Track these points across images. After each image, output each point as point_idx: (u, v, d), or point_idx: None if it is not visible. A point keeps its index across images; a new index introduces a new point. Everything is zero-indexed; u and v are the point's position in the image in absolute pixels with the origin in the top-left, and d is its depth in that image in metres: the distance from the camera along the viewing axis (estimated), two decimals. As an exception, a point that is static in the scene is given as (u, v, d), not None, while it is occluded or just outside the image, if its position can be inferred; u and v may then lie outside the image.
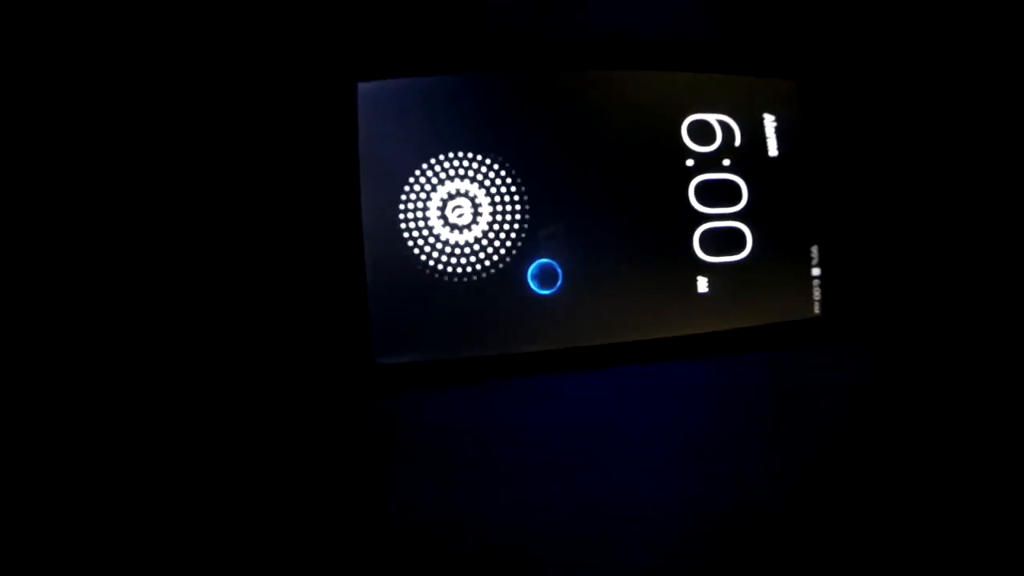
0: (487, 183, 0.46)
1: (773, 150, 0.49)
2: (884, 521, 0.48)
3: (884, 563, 0.46)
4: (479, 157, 0.45)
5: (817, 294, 0.50)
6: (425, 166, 0.45)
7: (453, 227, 0.45)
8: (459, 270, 0.45)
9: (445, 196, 0.45)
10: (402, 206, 0.45)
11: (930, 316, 0.51)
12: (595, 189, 0.46)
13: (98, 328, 0.41)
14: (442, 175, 0.45)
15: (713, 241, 0.48)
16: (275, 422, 0.43)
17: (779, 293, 0.49)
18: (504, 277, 0.45)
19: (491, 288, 0.45)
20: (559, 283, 0.46)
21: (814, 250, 0.50)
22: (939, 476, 0.49)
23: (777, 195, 0.49)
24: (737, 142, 0.48)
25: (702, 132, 0.48)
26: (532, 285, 0.45)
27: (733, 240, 0.48)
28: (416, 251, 0.45)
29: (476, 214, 0.45)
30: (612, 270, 0.46)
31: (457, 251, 0.45)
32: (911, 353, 0.50)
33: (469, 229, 0.45)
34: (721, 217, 0.48)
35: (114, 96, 0.42)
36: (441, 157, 0.45)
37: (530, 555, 0.44)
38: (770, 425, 0.48)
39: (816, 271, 0.50)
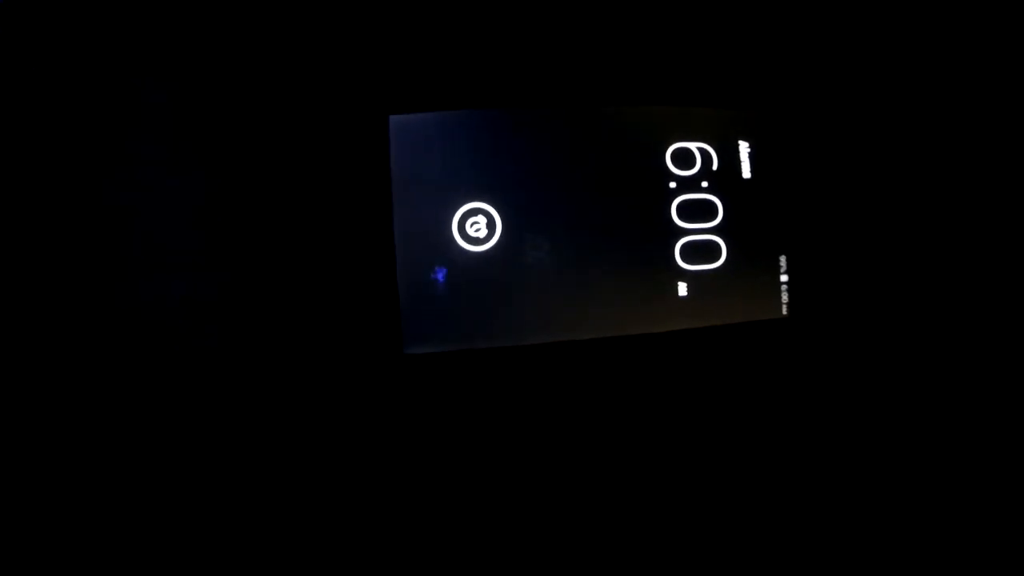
0: (501, 203, 0.49)
1: (746, 172, 0.52)
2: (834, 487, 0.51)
3: (846, 553, 0.49)
4: (495, 181, 0.49)
5: (785, 297, 0.53)
6: (448, 188, 0.48)
7: (472, 240, 0.48)
8: (477, 274, 0.48)
9: (465, 212, 0.48)
10: (429, 221, 0.48)
11: (885, 318, 0.54)
12: (593, 206, 0.50)
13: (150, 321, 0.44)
14: (463, 195, 0.48)
15: (692, 252, 0.51)
16: (315, 405, 0.46)
17: (751, 296, 0.52)
18: (514, 280, 0.49)
19: (503, 289, 0.48)
20: (568, 290, 0.49)
21: (782, 259, 0.53)
22: (886, 453, 0.52)
23: (749, 211, 0.52)
24: (715, 166, 0.52)
25: (684, 158, 0.51)
26: (536, 286, 0.49)
27: (710, 251, 0.52)
28: (440, 258, 0.48)
29: (491, 228, 0.49)
30: (605, 275, 0.50)
31: (475, 259, 0.48)
32: (866, 349, 0.53)
33: (485, 242, 0.49)
34: (699, 231, 0.52)
35: (177, 132, 0.45)
36: (462, 180, 0.48)
37: (542, 534, 0.47)
38: (744, 407, 0.51)
39: (784, 277, 0.53)
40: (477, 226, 0.49)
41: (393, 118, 0.47)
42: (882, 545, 0.50)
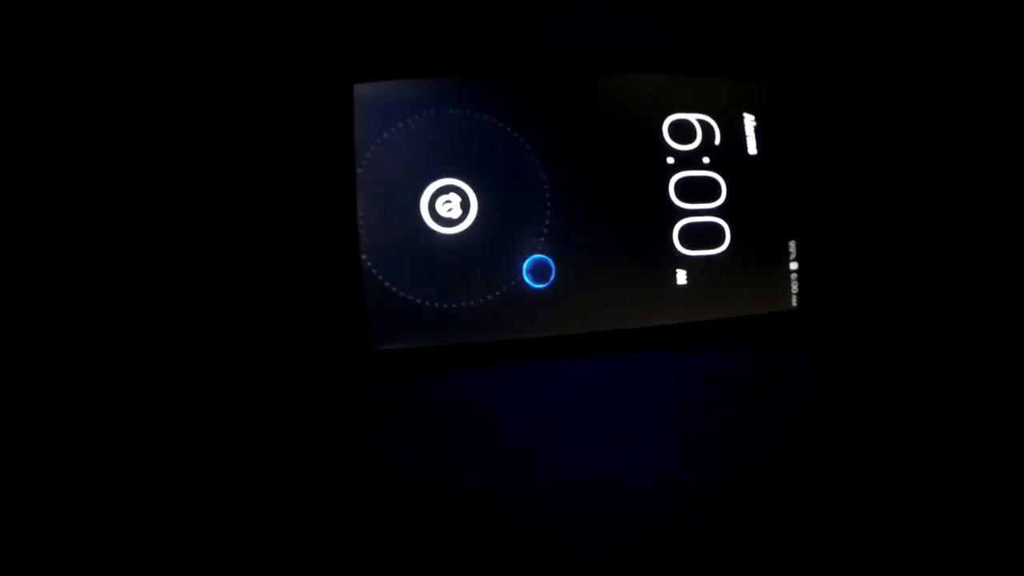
0: (476, 179, 0.45)
1: (752, 149, 0.49)
2: (849, 501, 0.46)
3: (854, 546, 0.45)
4: (469, 155, 0.45)
5: (795, 287, 0.50)
6: (417, 163, 0.45)
7: (444, 221, 0.45)
8: (451, 263, 0.45)
9: (436, 190, 0.45)
10: (395, 201, 0.44)
11: (905, 310, 0.50)
12: (581, 186, 0.46)
13: (92, 321, 0.41)
14: (433, 170, 0.45)
15: (692, 235, 0.48)
16: (272, 409, 0.43)
17: (757, 286, 0.49)
18: (496, 271, 0.45)
19: (483, 280, 0.45)
20: (552, 278, 0.46)
21: (792, 245, 0.50)
22: (904, 462, 0.47)
23: (755, 191, 0.49)
24: (717, 141, 0.48)
25: (683, 131, 0.48)
26: (527, 280, 0.45)
27: (712, 234, 0.48)
28: (409, 242, 0.44)
29: (464, 208, 0.45)
30: (597, 263, 0.46)
31: (448, 244, 0.45)
32: (884, 345, 0.50)
33: (458, 223, 0.45)
34: (700, 212, 0.48)
35: (113, 96, 0.41)
36: (432, 155, 0.45)
37: (519, 538, 0.43)
38: (747, 411, 0.47)
39: (794, 265, 0.50)
40: (449, 205, 0.45)
41: (358, 87, 0.44)
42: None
